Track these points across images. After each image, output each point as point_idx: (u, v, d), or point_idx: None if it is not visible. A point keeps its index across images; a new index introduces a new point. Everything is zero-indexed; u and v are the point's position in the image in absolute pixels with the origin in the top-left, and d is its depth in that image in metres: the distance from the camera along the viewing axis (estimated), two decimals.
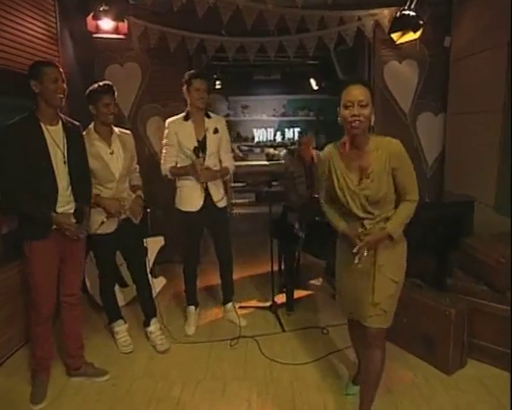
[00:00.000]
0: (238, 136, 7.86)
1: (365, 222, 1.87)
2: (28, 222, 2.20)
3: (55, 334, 2.50)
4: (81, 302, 2.58)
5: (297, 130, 7.58)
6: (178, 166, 2.92)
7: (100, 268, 2.77)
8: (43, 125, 2.18)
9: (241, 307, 3.34)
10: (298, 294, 3.53)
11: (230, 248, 3.16)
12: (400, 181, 1.83)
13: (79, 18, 3.76)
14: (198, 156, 2.80)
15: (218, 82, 7.13)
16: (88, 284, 3.27)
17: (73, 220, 2.26)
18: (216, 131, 2.92)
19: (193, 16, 3.55)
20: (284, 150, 7.23)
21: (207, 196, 2.93)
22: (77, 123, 2.41)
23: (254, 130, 7.92)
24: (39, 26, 3.19)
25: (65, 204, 2.26)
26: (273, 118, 7.86)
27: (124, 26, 3.78)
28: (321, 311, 3.33)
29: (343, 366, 2.59)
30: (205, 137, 2.88)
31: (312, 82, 7.50)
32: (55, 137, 2.21)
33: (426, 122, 4.28)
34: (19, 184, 2.13)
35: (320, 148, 3.94)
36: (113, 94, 2.53)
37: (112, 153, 2.58)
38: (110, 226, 2.61)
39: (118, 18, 3.68)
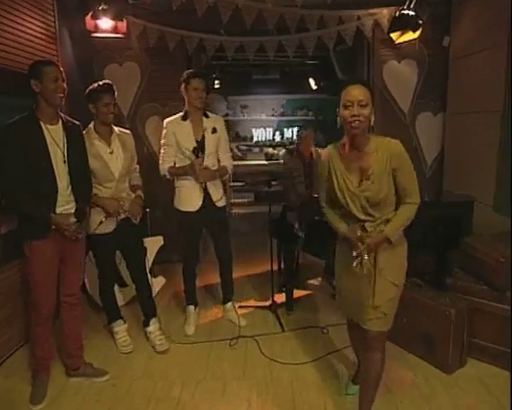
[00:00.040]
0: (237, 135, 7.85)
1: (366, 224, 1.85)
2: (28, 222, 2.20)
3: (55, 334, 2.49)
4: (81, 302, 2.57)
5: (296, 129, 7.58)
6: (177, 166, 2.91)
7: (99, 268, 2.77)
8: (42, 124, 2.18)
9: (240, 307, 3.34)
10: (297, 293, 3.53)
11: (230, 248, 3.16)
12: (401, 182, 1.81)
13: (78, 17, 3.75)
14: (197, 157, 2.79)
15: (216, 82, 7.12)
16: (87, 284, 3.26)
17: (73, 220, 2.25)
18: (214, 130, 2.91)
19: (192, 16, 3.54)
20: (283, 150, 7.23)
21: (206, 195, 2.92)
22: (77, 122, 2.41)
23: (253, 129, 7.91)
24: (38, 25, 3.18)
25: (64, 204, 2.26)
26: (272, 117, 7.84)
27: (123, 25, 3.77)
28: (320, 310, 3.33)
29: (343, 365, 2.59)
30: (203, 137, 2.88)
31: (311, 82, 7.49)
32: (54, 136, 2.20)
33: (425, 122, 4.28)
34: (19, 184, 2.13)
35: (319, 147, 3.98)
36: (113, 93, 2.52)
37: (111, 152, 2.57)
38: (109, 226, 2.61)
39: (117, 17, 3.67)
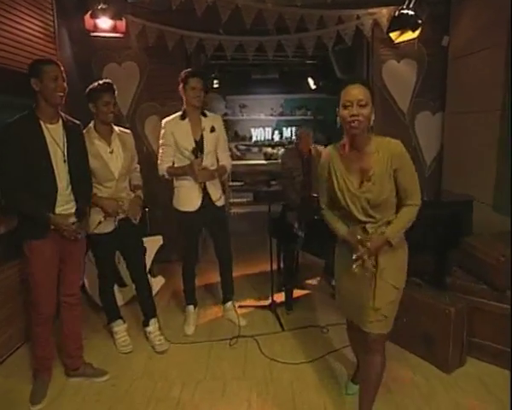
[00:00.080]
0: (236, 135, 7.85)
1: (367, 226, 1.83)
2: (28, 222, 2.19)
3: (55, 334, 2.48)
4: (81, 302, 2.57)
5: (294, 129, 7.58)
6: (176, 166, 2.91)
7: (99, 268, 2.76)
8: (42, 123, 2.17)
9: (240, 307, 3.34)
10: (297, 293, 3.53)
11: (230, 248, 3.16)
12: (402, 182, 1.79)
13: (77, 16, 3.74)
14: (196, 157, 2.79)
15: (215, 81, 7.11)
16: (87, 284, 3.25)
17: (72, 220, 2.24)
18: (213, 129, 2.91)
19: (191, 15, 3.54)
20: (282, 150, 7.23)
21: (206, 195, 2.92)
22: (77, 122, 2.40)
23: (252, 129, 7.92)
24: (36, 25, 3.17)
25: (64, 203, 2.25)
26: (271, 117, 7.85)
27: (122, 24, 3.75)
28: (320, 310, 3.33)
29: (343, 365, 2.59)
30: (202, 137, 2.87)
31: (310, 81, 7.49)
32: (54, 135, 2.19)
33: (424, 121, 4.29)
34: (19, 184, 2.12)
35: (318, 145, 3.98)
36: (114, 92, 2.51)
37: (111, 152, 2.56)
38: (108, 226, 2.60)
39: (116, 16, 3.66)
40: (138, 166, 2.85)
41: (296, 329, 3.04)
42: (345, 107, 1.73)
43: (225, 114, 7.33)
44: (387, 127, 3.90)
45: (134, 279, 2.87)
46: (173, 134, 2.85)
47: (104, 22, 3.66)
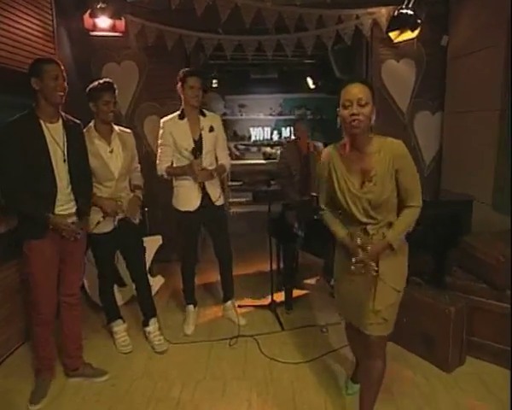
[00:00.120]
0: (235, 135, 7.85)
1: (368, 227, 1.81)
2: (27, 221, 2.19)
3: (55, 334, 2.47)
4: (81, 302, 2.56)
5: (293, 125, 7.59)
6: (174, 165, 2.91)
7: (99, 268, 2.76)
8: (42, 122, 2.16)
9: (240, 306, 3.33)
10: (296, 293, 3.52)
11: (230, 247, 3.15)
12: (403, 183, 1.77)
13: (76, 15, 3.73)
14: (196, 157, 2.79)
15: (214, 81, 7.11)
16: (86, 284, 3.25)
17: (72, 220, 2.24)
18: (211, 129, 2.91)
19: (191, 14, 3.54)
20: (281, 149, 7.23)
21: (205, 195, 2.92)
22: (78, 121, 2.39)
23: (251, 129, 7.92)
24: (35, 24, 3.15)
25: (64, 203, 2.24)
26: (270, 117, 7.86)
27: (121, 24, 3.74)
28: (320, 309, 3.33)
29: (343, 364, 2.59)
30: (200, 136, 2.87)
31: (309, 81, 7.50)
32: (54, 134, 2.19)
33: (423, 121, 4.30)
34: (19, 184, 2.12)
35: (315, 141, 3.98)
36: (114, 92, 2.51)
37: (111, 151, 2.56)
38: (107, 226, 2.60)
39: (115, 16, 3.65)
40: (139, 165, 2.84)
41: (296, 328, 3.04)
42: (345, 106, 1.71)
43: (224, 114, 7.33)
44: (386, 127, 3.85)
45: (134, 279, 2.87)
46: (172, 134, 2.85)
47: (103, 21, 3.65)
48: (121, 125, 2.78)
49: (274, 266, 3.41)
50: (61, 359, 2.57)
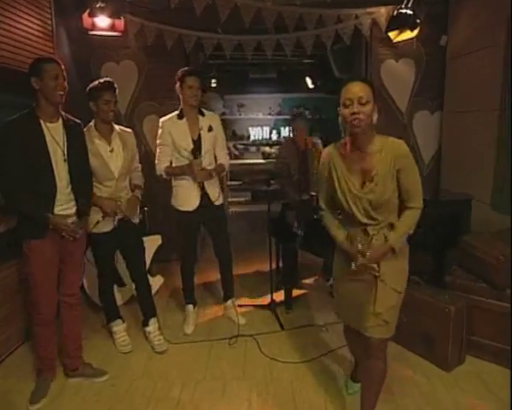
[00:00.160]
0: (234, 134, 7.85)
1: (368, 228, 1.79)
2: (27, 221, 2.18)
3: (55, 334, 2.46)
4: (80, 302, 2.56)
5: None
6: (173, 165, 2.90)
7: (99, 268, 2.75)
8: (42, 122, 2.16)
9: (239, 306, 3.33)
10: (296, 292, 3.52)
11: (229, 247, 3.15)
12: (404, 183, 1.75)
13: (75, 15, 3.73)
14: (196, 157, 2.78)
15: (213, 80, 7.11)
16: (85, 284, 3.24)
17: (71, 220, 2.23)
18: (210, 128, 2.91)
19: (190, 14, 3.54)
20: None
21: (204, 195, 2.92)
22: (78, 121, 2.39)
23: (250, 128, 7.91)
24: (34, 23, 3.15)
25: (64, 203, 2.24)
26: (269, 116, 7.85)
27: (120, 23, 3.74)
28: (319, 309, 3.33)
29: (343, 363, 2.59)
30: (199, 136, 2.87)
31: (308, 81, 7.50)
32: (54, 134, 2.18)
33: (422, 120, 4.31)
34: (18, 184, 2.11)
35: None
36: (114, 91, 2.50)
37: (111, 151, 2.55)
38: (107, 226, 2.59)
39: (114, 15, 3.64)
40: (140, 165, 2.83)
41: (296, 328, 3.04)
42: (345, 105, 1.69)
43: (223, 114, 7.33)
44: (385, 127, 3.88)
45: (134, 279, 2.86)
46: (171, 133, 2.85)
47: (102, 21, 3.65)
48: (121, 125, 2.77)
49: (273, 266, 3.41)
50: (60, 359, 2.57)
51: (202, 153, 2.84)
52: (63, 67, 2.21)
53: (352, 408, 2.18)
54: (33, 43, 3.11)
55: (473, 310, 2.54)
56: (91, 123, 2.56)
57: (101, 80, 2.49)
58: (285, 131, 7.85)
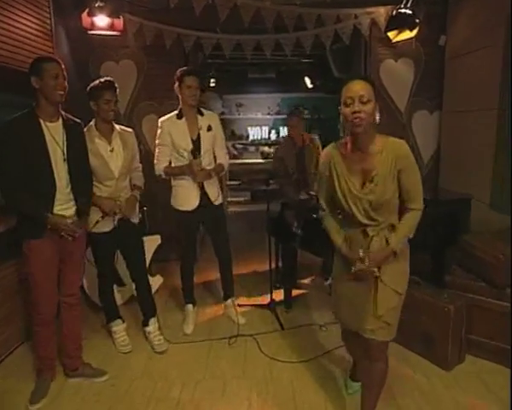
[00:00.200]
0: (233, 134, 7.85)
1: (368, 229, 1.77)
2: (27, 221, 2.18)
3: (55, 334, 2.46)
4: (80, 302, 2.56)
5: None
6: (173, 165, 2.90)
7: (99, 267, 2.75)
8: (42, 121, 2.15)
9: (239, 305, 3.33)
10: (295, 292, 3.52)
11: (229, 246, 3.15)
12: (405, 184, 1.73)
13: (74, 14, 3.72)
14: (195, 157, 2.78)
15: (212, 80, 7.10)
16: (85, 284, 3.23)
17: (71, 220, 2.22)
18: (209, 128, 2.91)
19: (190, 13, 3.53)
20: None
21: (204, 194, 2.92)
22: (78, 120, 2.38)
23: (249, 128, 7.92)
24: (33, 22, 3.14)
25: (64, 202, 2.23)
26: (268, 116, 7.86)
27: (119, 22, 3.73)
28: (319, 308, 3.33)
29: (343, 363, 2.58)
30: (199, 136, 2.87)
31: (307, 80, 7.50)
32: (54, 134, 2.18)
33: (421, 120, 4.32)
34: (18, 183, 2.11)
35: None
36: (115, 91, 2.50)
37: (112, 150, 2.54)
38: (106, 225, 2.59)
39: (113, 14, 3.64)
40: (140, 165, 2.82)
41: (295, 327, 3.04)
42: (346, 104, 1.67)
43: (222, 113, 7.33)
44: (384, 126, 3.88)
45: (134, 279, 2.86)
46: (170, 134, 2.84)
47: (101, 20, 3.64)
48: (124, 125, 2.77)
49: (273, 266, 3.41)
50: (60, 359, 2.56)
51: (201, 153, 2.84)
52: (63, 66, 2.21)
53: (352, 408, 2.18)
54: (32, 42, 3.11)
55: (472, 309, 2.55)
56: (92, 122, 2.56)
57: (102, 80, 2.48)
58: (284, 131, 7.85)
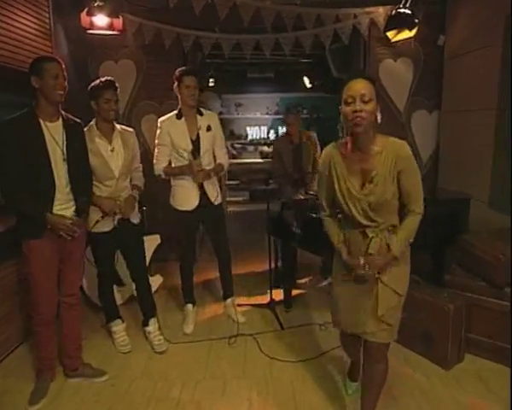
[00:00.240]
0: (231, 134, 7.85)
1: (367, 230, 1.75)
2: (26, 221, 2.17)
3: (55, 334, 2.46)
4: (80, 302, 2.55)
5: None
6: (172, 165, 2.90)
7: (99, 267, 2.74)
8: (41, 121, 2.15)
9: (239, 305, 3.33)
10: (295, 291, 3.52)
11: (228, 245, 3.15)
12: (405, 185, 1.71)
13: (73, 14, 3.70)
14: (195, 157, 2.78)
15: (211, 80, 7.10)
16: (85, 284, 3.23)
17: (69, 221, 2.21)
18: (209, 128, 2.90)
19: (189, 13, 3.53)
20: None
21: (203, 194, 2.92)
22: (78, 120, 2.38)
23: (248, 128, 7.93)
24: (32, 22, 3.13)
25: (63, 202, 2.23)
26: (266, 116, 7.86)
27: (118, 22, 3.73)
28: (318, 307, 3.33)
29: (343, 362, 2.57)
30: (198, 136, 2.87)
31: (306, 80, 7.51)
32: (54, 133, 2.17)
33: (420, 120, 4.32)
34: (18, 183, 2.10)
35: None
36: (115, 90, 2.49)
37: (112, 150, 2.54)
38: (107, 225, 2.58)
39: (112, 14, 3.63)
40: (141, 165, 2.81)
41: (295, 327, 3.04)
42: (347, 103, 1.64)
43: (221, 113, 7.33)
44: (383, 126, 3.89)
45: (134, 279, 2.85)
46: (169, 134, 2.84)
47: (100, 20, 3.63)
48: (125, 124, 2.77)
49: (272, 265, 3.41)
50: (60, 359, 2.55)
51: (201, 153, 2.84)
52: (63, 66, 2.20)
53: (353, 407, 2.18)
54: (31, 42, 3.10)
55: (472, 308, 2.56)
56: (92, 122, 2.55)
57: (103, 79, 2.47)
58: (283, 131, 7.84)
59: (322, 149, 3.83)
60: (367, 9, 3.91)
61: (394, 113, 4.27)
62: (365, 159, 1.72)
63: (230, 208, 6.81)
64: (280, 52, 4.12)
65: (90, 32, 3.71)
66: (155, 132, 2.94)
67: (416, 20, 3.74)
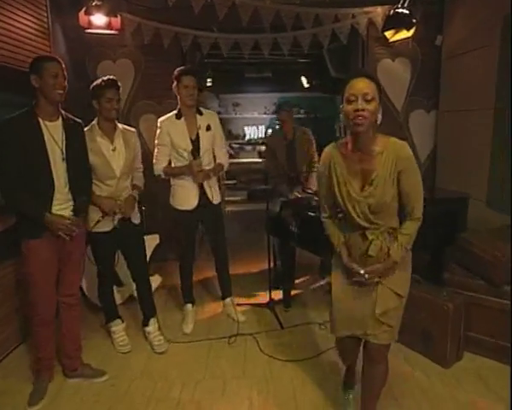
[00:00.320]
0: (229, 133, 7.83)
1: (367, 232, 1.73)
2: (26, 221, 2.16)
3: (54, 334, 2.44)
4: (80, 303, 2.54)
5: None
6: (172, 165, 2.90)
7: (99, 267, 2.73)
8: (41, 120, 2.14)
9: (238, 305, 3.33)
10: (294, 291, 3.52)
11: (226, 245, 3.16)
12: (405, 186, 1.68)
13: (71, 13, 3.69)
14: (195, 158, 2.78)
15: (209, 79, 7.09)
16: (84, 285, 3.22)
17: (68, 221, 2.20)
18: (209, 128, 2.90)
19: (188, 12, 3.52)
20: None
21: (203, 194, 2.92)
22: (78, 120, 2.37)
23: (245, 127, 7.92)
24: (30, 21, 3.12)
25: (63, 202, 2.22)
26: (264, 116, 7.86)
27: (117, 21, 3.72)
28: (318, 307, 3.34)
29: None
30: (198, 136, 2.86)
31: (303, 80, 7.51)
32: (53, 133, 2.16)
33: (418, 119, 4.34)
34: (17, 183, 2.09)
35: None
36: (117, 89, 2.49)
37: (114, 149, 2.53)
38: (107, 225, 2.57)
39: (111, 13, 3.61)
40: (141, 166, 2.80)
41: (295, 326, 3.05)
42: (349, 101, 1.61)
43: (218, 113, 7.27)
44: (382, 125, 3.90)
45: (134, 279, 2.85)
46: (169, 133, 2.84)
47: (99, 19, 3.61)
48: (128, 124, 2.76)
49: (271, 265, 3.41)
50: (59, 359, 2.55)
51: (201, 153, 2.84)
52: (63, 65, 2.20)
53: (353, 405, 2.18)
54: (29, 41, 3.09)
55: (471, 307, 2.57)
56: (94, 121, 2.55)
57: (105, 78, 2.46)
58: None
59: (317, 146, 3.83)
60: (365, 9, 3.92)
61: (392, 112, 4.28)
62: (366, 159, 1.70)
63: (228, 208, 6.80)
64: (278, 52, 4.12)
65: (89, 31, 3.70)
66: (154, 132, 2.94)
67: (414, 20, 3.75)
